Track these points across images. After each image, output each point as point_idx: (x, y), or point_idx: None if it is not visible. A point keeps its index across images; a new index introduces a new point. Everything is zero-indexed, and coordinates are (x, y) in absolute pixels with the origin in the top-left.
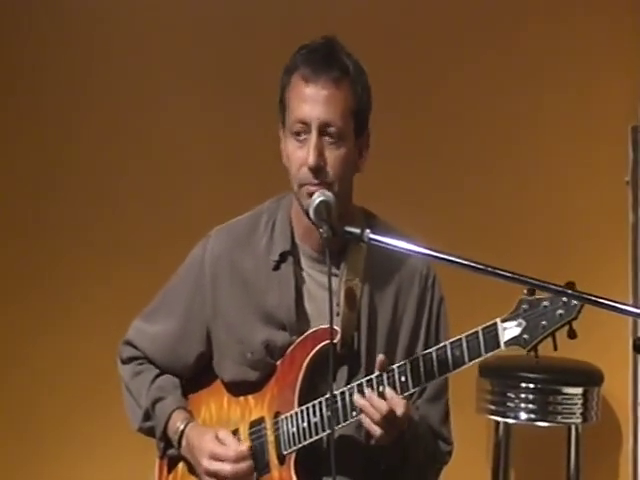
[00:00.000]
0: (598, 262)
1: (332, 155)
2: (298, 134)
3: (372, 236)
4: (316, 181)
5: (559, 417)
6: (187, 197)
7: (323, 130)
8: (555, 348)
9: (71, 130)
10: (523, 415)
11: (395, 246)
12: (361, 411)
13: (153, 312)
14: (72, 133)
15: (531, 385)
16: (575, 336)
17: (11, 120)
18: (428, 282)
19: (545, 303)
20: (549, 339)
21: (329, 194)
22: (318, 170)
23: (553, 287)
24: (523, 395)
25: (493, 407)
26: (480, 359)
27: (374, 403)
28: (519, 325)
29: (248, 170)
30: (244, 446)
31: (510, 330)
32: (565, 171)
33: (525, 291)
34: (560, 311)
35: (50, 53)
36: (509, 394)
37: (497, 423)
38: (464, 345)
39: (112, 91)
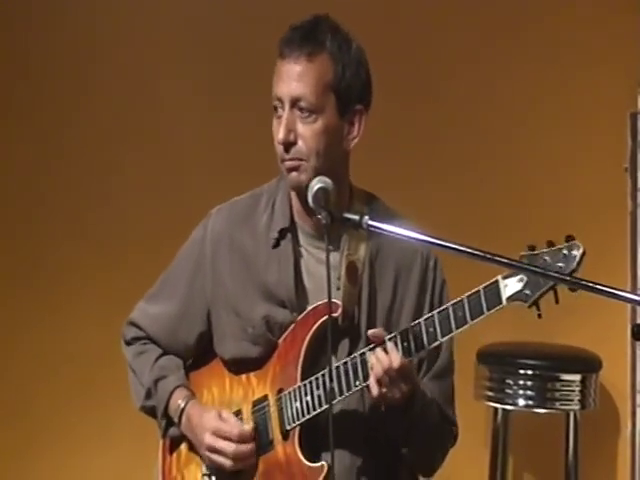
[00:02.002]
0: (597, 249)
1: (305, 130)
2: (276, 110)
3: (371, 222)
4: (288, 156)
5: (557, 404)
6: (185, 188)
7: (295, 105)
8: (557, 301)
9: (67, 122)
10: (521, 402)
11: (394, 233)
12: (365, 379)
13: (156, 293)
14: (68, 126)
15: (529, 372)
16: (576, 289)
17: (6, 111)
18: (430, 263)
19: (545, 257)
20: (550, 293)
21: (327, 180)
22: (288, 144)
23: (553, 275)
24: (521, 382)
25: (491, 394)
26: (482, 317)
27: (378, 356)
28: (520, 281)
29: (247, 160)
30: (248, 426)
31: (511, 286)
32: (564, 158)
33: (526, 247)
34: (560, 264)
35: (50, 48)
36: (507, 381)
37: (495, 410)
38: (466, 305)
39: (109, 83)
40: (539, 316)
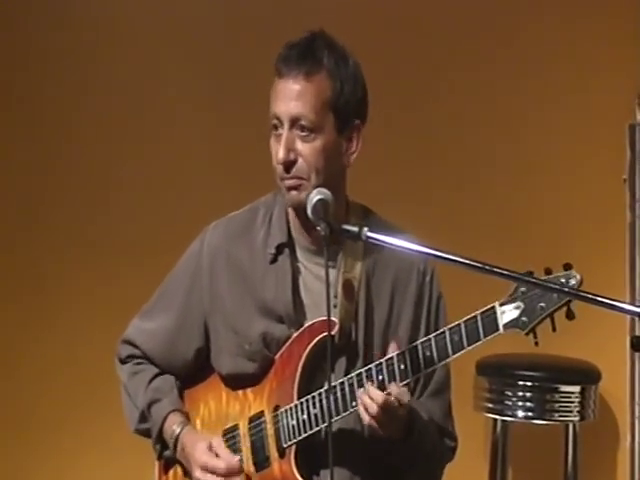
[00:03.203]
0: (595, 260)
1: (305, 148)
2: (275, 129)
3: (370, 234)
4: (288, 175)
5: (556, 415)
6: (186, 198)
7: (295, 124)
8: (554, 329)
9: (69, 130)
10: (521, 413)
11: (393, 244)
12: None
13: (151, 309)
14: (70, 133)
15: (529, 383)
16: (574, 317)
17: (9, 119)
18: (426, 278)
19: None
20: (548, 321)
21: (327, 192)
22: (288, 164)
23: (551, 286)
24: (521, 393)
25: (491, 405)
26: (479, 343)
27: (371, 394)
28: (517, 308)
29: (248, 170)
30: (235, 458)
31: (508, 313)
32: (563, 169)
33: (523, 273)
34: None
35: (50, 52)
36: (507, 392)
37: (495, 421)
38: (463, 330)
39: (110, 93)
40: (536, 344)
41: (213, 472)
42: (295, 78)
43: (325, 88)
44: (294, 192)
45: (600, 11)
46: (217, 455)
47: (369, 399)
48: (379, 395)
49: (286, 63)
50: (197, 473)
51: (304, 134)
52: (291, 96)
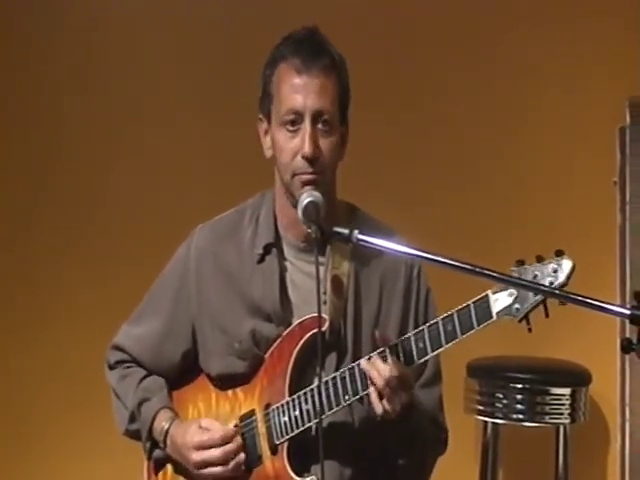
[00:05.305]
0: (586, 262)
1: (325, 143)
2: (291, 124)
3: (360, 237)
4: (311, 170)
5: (547, 417)
6: (186, 198)
7: (316, 119)
8: (547, 315)
9: (68, 130)
10: (511, 415)
11: (383, 247)
12: (355, 394)
13: (140, 313)
14: (69, 133)
15: (519, 385)
16: (565, 302)
17: (9, 119)
18: (414, 272)
19: (535, 272)
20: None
21: (317, 194)
22: (314, 159)
23: (541, 288)
24: (511, 395)
25: (481, 407)
26: (473, 332)
27: (378, 367)
28: (510, 295)
29: (247, 170)
30: (229, 426)
31: (501, 301)
32: (554, 172)
33: (515, 262)
34: (550, 279)
35: (50, 52)
36: (497, 394)
37: (485, 423)
38: (456, 320)
39: (109, 93)
40: (529, 330)
41: (210, 446)
42: (318, 72)
43: (336, 82)
44: (308, 187)
45: (595, 14)
46: (209, 430)
47: (376, 372)
48: (385, 368)
49: (303, 58)
50: (193, 455)
51: (325, 129)
52: (314, 90)
